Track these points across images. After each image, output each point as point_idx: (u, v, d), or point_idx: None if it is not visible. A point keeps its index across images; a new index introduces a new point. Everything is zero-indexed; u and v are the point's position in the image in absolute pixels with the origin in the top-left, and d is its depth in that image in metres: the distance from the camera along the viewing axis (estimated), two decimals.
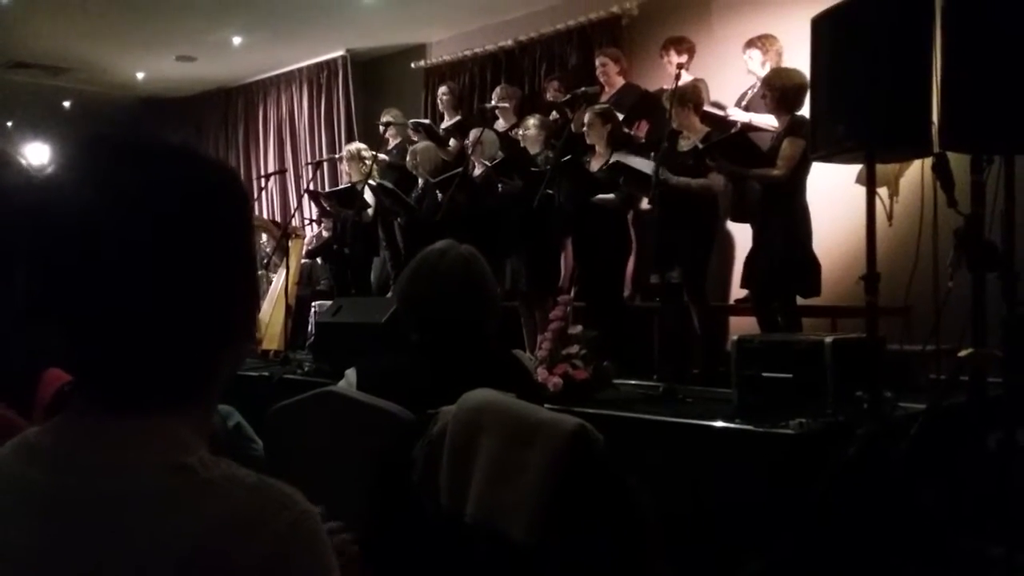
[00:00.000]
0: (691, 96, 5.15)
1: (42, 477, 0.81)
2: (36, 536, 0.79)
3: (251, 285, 0.92)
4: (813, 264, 4.62)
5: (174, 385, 0.85)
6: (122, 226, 0.80)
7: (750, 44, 5.48)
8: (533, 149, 5.88)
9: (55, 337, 0.83)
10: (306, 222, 8.34)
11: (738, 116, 5.46)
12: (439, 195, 6.04)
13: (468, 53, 8.15)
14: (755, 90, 5.36)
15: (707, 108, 5.39)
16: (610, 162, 5.22)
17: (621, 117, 5.72)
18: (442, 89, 7.47)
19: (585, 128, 5.56)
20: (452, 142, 6.93)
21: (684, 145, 5.11)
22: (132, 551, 0.76)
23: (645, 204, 5.51)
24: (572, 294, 5.17)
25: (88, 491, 0.79)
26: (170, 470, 0.79)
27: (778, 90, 4.67)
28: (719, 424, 3.23)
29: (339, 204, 6.86)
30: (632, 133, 5.80)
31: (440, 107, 7.48)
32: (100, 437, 0.82)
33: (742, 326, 5.22)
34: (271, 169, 9.64)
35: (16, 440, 0.86)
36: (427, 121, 7.22)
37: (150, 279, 0.81)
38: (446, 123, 7.16)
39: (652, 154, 5.03)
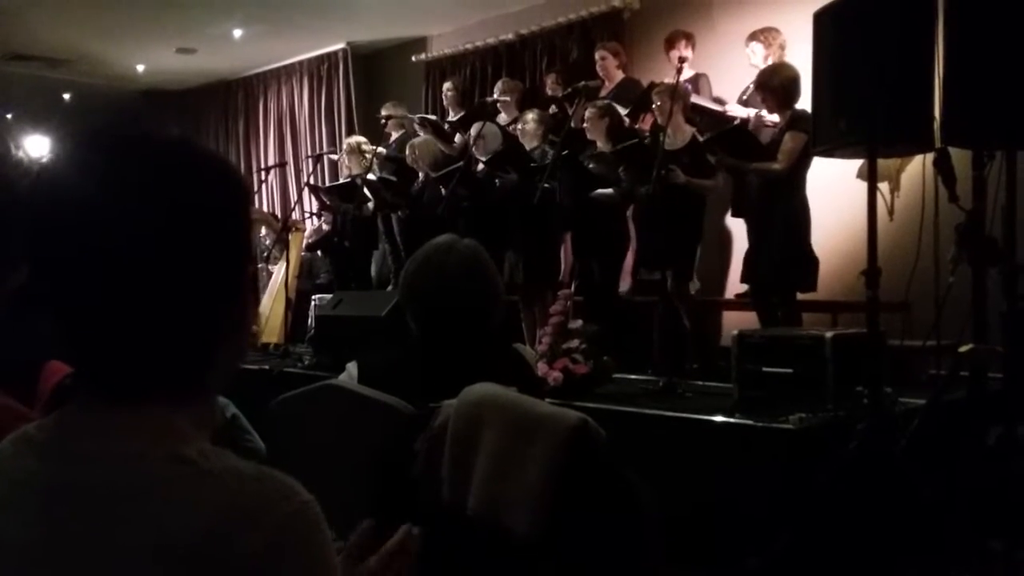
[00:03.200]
0: (680, 95, 5.14)
1: (41, 468, 0.82)
2: (35, 527, 0.79)
3: (247, 278, 0.92)
4: (811, 259, 4.62)
5: (172, 377, 0.85)
6: (120, 218, 0.80)
7: (752, 37, 5.47)
8: (531, 144, 5.87)
9: (54, 328, 0.83)
10: (306, 215, 8.34)
11: (738, 112, 5.46)
12: (441, 189, 6.04)
13: (469, 47, 8.14)
14: None
15: (699, 102, 5.40)
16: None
17: (625, 112, 5.71)
18: (447, 85, 7.45)
19: (585, 124, 5.56)
20: (457, 138, 6.93)
21: (669, 144, 5.05)
22: (130, 542, 0.76)
23: None
24: (572, 289, 5.17)
25: (87, 481, 0.79)
26: (169, 461, 0.79)
27: (776, 89, 4.68)
28: (719, 419, 3.24)
29: (339, 198, 6.86)
30: (636, 127, 5.79)
31: (445, 103, 7.46)
32: (99, 428, 0.82)
33: (736, 322, 5.23)
34: (271, 162, 9.64)
35: (16, 433, 0.87)
36: (433, 117, 7.20)
37: (147, 271, 0.81)
38: (451, 118, 7.15)
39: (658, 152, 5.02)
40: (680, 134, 5.12)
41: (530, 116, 5.99)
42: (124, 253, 0.80)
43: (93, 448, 0.81)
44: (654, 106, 5.15)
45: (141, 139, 0.88)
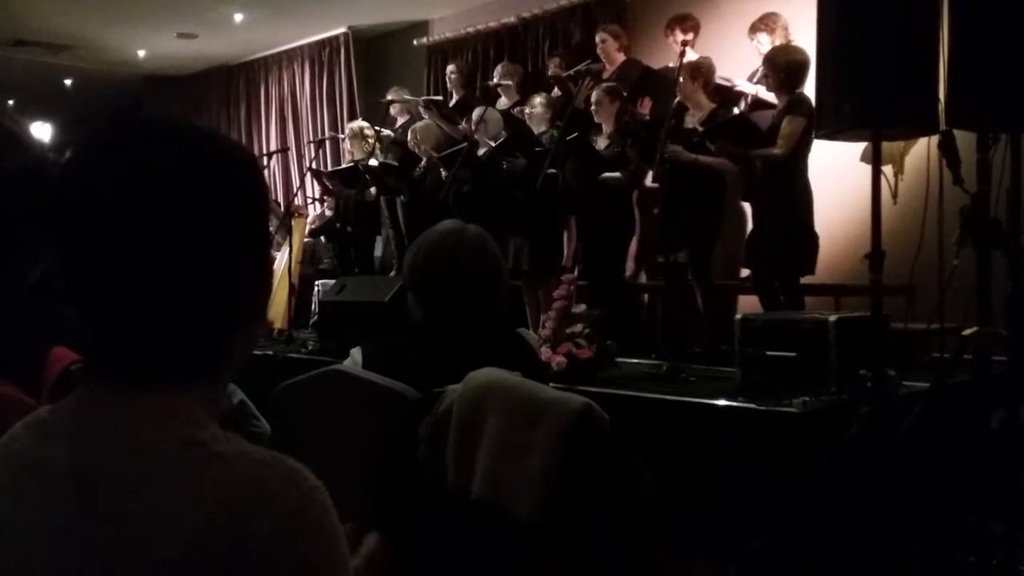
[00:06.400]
0: (703, 72, 5.11)
1: (56, 453, 0.82)
2: (50, 511, 0.80)
3: (264, 266, 0.92)
4: (812, 242, 4.60)
5: (186, 363, 0.86)
6: (137, 205, 0.81)
7: (755, 29, 5.42)
8: (539, 128, 5.85)
9: (69, 314, 0.84)
10: (309, 201, 8.33)
11: (746, 88, 5.44)
12: (443, 173, 6.03)
13: (471, 30, 8.11)
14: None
15: (717, 81, 5.37)
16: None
17: (624, 94, 5.69)
18: (450, 68, 7.42)
19: (593, 106, 5.53)
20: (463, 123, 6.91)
21: (690, 121, 5.07)
22: (143, 525, 0.77)
23: (649, 182, 5.50)
24: (576, 273, 5.17)
25: (101, 466, 0.80)
26: (182, 445, 0.80)
27: (782, 69, 4.64)
28: (722, 403, 3.24)
29: (342, 183, 6.85)
30: (636, 110, 5.77)
31: (449, 85, 7.43)
32: (113, 413, 0.83)
33: (749, 305, 5.22)
34: (273, 147, 9.63)
35: (28, 419, 0.87)
36: (439, 98, 7.18)
37: (167, 257, 0.82)
38: (453, 101, 7.13)
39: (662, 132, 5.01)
40: (700, 112, 5.09)
41: (538, 100, 5.97)
42: (145, 239, 0.81)
43: (108, 433, 0.81)
44: (679, 82, 5.08)
45: (158, 125, 0.88)
